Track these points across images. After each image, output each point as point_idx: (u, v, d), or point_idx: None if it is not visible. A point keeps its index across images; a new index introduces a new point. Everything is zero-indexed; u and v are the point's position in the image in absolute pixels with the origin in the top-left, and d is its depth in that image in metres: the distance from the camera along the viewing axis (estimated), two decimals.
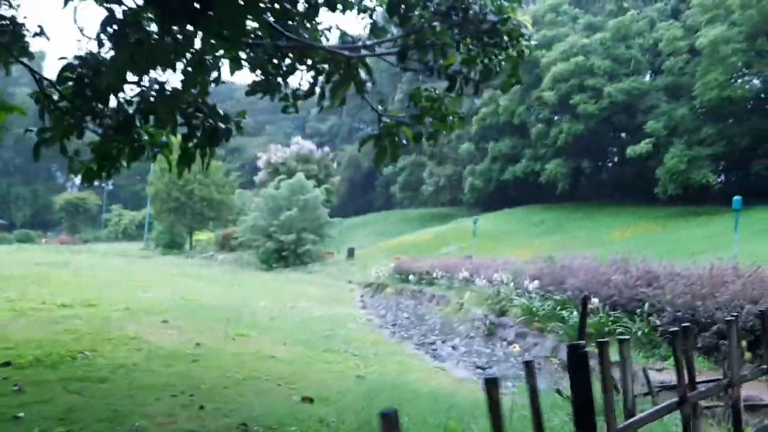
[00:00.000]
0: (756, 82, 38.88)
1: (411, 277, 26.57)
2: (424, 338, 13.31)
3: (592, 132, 42.73)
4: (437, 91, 5.09)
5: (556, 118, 43.30)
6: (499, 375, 10.08)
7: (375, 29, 5.01)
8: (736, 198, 16.26)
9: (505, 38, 4.60)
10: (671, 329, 3.53)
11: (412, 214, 62.36)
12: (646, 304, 10.20)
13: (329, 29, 5.15)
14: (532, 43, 5.05)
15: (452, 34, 4.52)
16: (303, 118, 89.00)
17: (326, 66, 4.85)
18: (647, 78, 44.66)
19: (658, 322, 9.84)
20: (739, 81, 37.11)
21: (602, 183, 48.00)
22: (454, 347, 12.31)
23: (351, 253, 40.99)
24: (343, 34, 5.20)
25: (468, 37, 4.63)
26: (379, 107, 4.86)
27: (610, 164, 49.26)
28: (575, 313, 11.41)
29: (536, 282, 13.83)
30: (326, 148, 50.37)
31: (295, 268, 32.72)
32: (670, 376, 8.82)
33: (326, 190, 40.89)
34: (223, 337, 7.98)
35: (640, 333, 9.90)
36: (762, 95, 40.55)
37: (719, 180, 40.77)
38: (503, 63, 4.82)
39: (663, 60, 40.53)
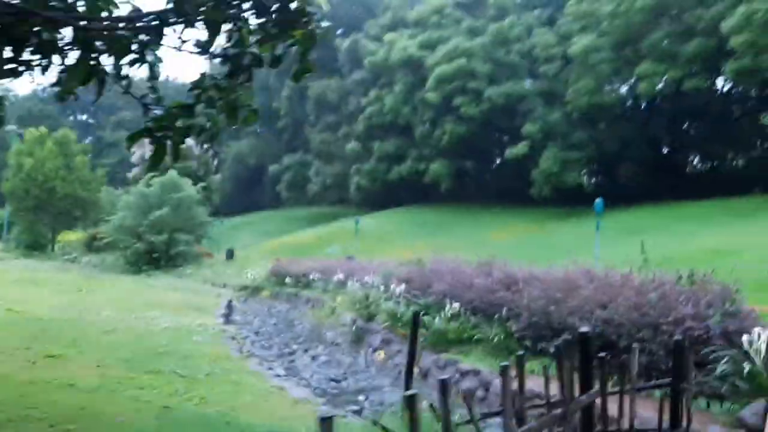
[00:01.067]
0: (624, 89, 41.11)
1: (288, 279, 25.70)
2: (285, 348, 12.53)
3: (475, 134, 43.59)
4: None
5: (440, 119, 43.73)
6: (353, 387, 9.53)
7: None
8: (598, 201, 16.69)
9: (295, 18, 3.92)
10: (556, 344, 3.00)
11: (298, 213, 61.28)
12: (504, 309, 9.98)
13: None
14: (324, 24, 4.39)
15: (224, 10, 3.78)
16: None
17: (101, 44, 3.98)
18: (526, 82, 46.17)
19: (514, 328, 9.64)
20: (608, 88, 39.05)
21: (485, 184, 49.15)
22: (314, 357, 11.62)
23: (230, 254, 39.43)
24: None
25: (258, 15, 3.91)
26: (151, 96, 4.02)
27: (492, 166, 50.52)
28: (438, 319, 11.06)
29: (403, 286, 13.41)
30: (205, 145, 48.17)
31: (167, 271, 30.87)
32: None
33: (204, 188, 39.00)
34: (23, 360, 6.85)
35: (496, 339, 9.64)
36: (629, 102, 42.99)
37: (591, 182, 42.88)
38: (293, 47, 4.14)
39: (539, 65, 41.98)
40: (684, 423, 3.72)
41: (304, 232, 46.72)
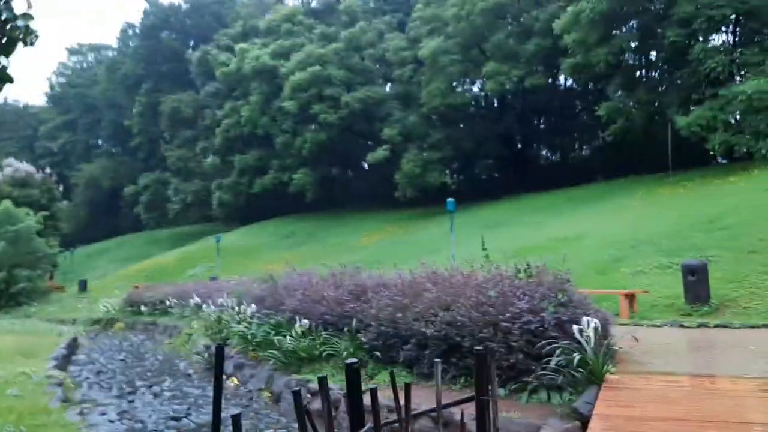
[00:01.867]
0: (474, 89, 42.69)
1: (144, 308, 24.12)
2: (127, 387, 11.44)
3: (336, 140, 43.46)
4: None
5: (299, 127, 43.16)
6: (195, 424, 8.78)
7: None
8: (449, 201, 16.88)
9: None
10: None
11: (160, 235, 58.35)
12: (354, 321, 9.65)
13: None
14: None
15: None
16: (30, 137, 78.82)
17: None
18: (385, 87, 46.75)
19: (364, 339, 9.33)
20: (460, 89, 40.36)
21: (351, 190, 49.17)
22: (157, 394, 10.67)
23: (83, 285, 36.62)
24: None
25: None
26: None
27: (357, 171, 50.68)
28: (289, 337, 10.54)
29: (253, 306, 12.76)
30: (48, 170, 44.54)
31: (8, 311, 27.98)
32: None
33: (45, 217, 35.85)
34: None
35: (346, 353, 9.28)
36: (481, 102, 44.74)
37: (454, 181, 44.10)
38: None
39: (393, 69, 42.61)
40: None
41: (166, 255, 44.43)
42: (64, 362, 14.08)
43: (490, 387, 3.47)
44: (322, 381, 3.93)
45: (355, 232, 36.53)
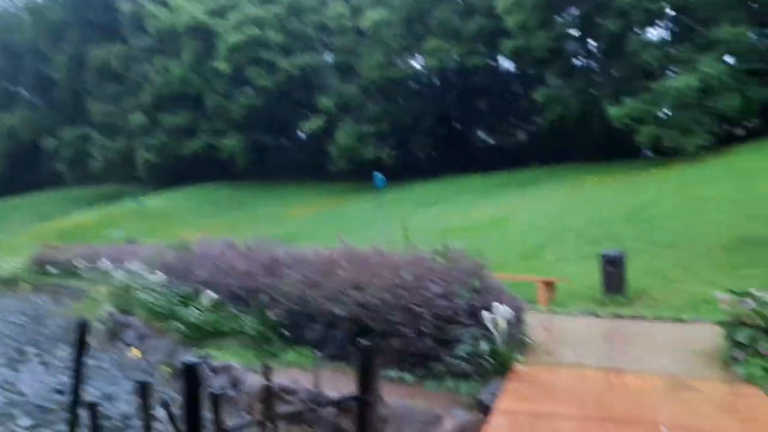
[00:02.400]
0: (415, 64, 42.20)
1: (52, 269, 22.81)
2: (16, 354, 10.61)
3: (271, 107, 42.25)
4: None
5: (233, 90, 41.66)
6: (83, 398, 8.14)
7: None
8: (377, 175, 16.44)
9: None
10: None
11: (81, 192, 55.63)
12: (264, 296, 9.15)
13: None
14: None
15: None
16: None
17: None
18: (324, 55, 45.63)
19: (273, 316, 8.86)
20: (399, 63, 39.81)
21: (285, 159, 48.09)
22: (46, 363, 9.91)
23: None
24: None
25: None
26: None
27: (291, 141, 49.54)
28: (195, 310, 9.94)
29: (160, 274, 12.06)
30: None
31: None
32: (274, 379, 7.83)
33: None
34: None
35: (252, 330, 8.79)
36: (422, 78, 44.32)
37: (390, 156, 43.66)
38: None
39: (333, 38, 41.63)
40: None
41: (85, 214, 42.35)
42: None
43: (371, 385, 3.08)
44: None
45: (285, 203, 35.78)
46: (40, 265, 23.81)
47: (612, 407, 5.29)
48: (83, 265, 20.42)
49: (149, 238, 27.97)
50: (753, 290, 7.77)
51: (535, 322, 9.51)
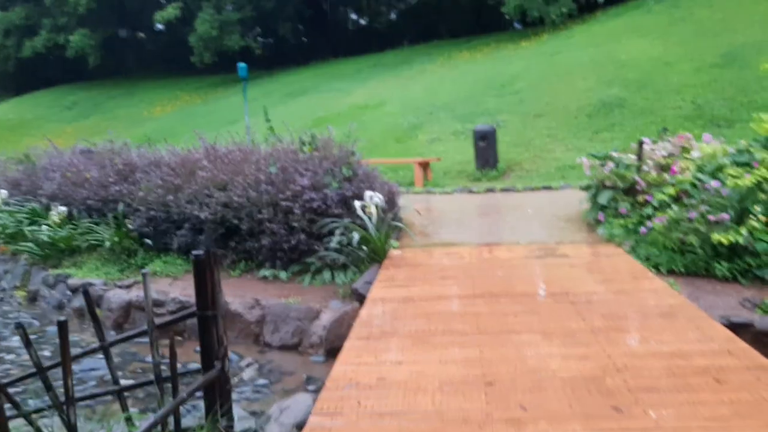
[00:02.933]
0: None
1: None
2: None
3: None
4: None
5: None
6: None
7: None
8: (241, 65, 15.37)
9: None
10: None
11: None
12: (120, 205, 8.40)
13: None
14: None
15: None
16: None
17: None
18: None
19: (132, 226, 8.19)
20: None
21: (143, 55, 44.33)
22: None
23: None
24: None
25: None
26: None
27: (147, 33, 45.51)
28: (45, 227, 9.02)
29: (4, 191, 10.82)
30: None
31: None
32: (138, 292, 7.35)
33: None
34: None
35: (110, 242, 8.10)
36: None
37: (258, 45, 41.27)
38: None
39: None
40: (219, 360, 2.73)
41: None
42: None
43: (209, 298, 2.70)
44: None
45: (147, 101, 33.32)
46: None
47: (480, 284, 5.29)
48: None
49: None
50: (612, 153, 8.00)
51: (412, 205, 9.48)
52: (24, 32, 39.10)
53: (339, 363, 3.66)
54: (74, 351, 3.46)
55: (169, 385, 2.70)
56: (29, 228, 9.40)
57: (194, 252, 2.79)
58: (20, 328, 2.54)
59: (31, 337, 7.01)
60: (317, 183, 6.99)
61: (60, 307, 7.98)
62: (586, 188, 7.83)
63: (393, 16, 46.77)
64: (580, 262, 5.94)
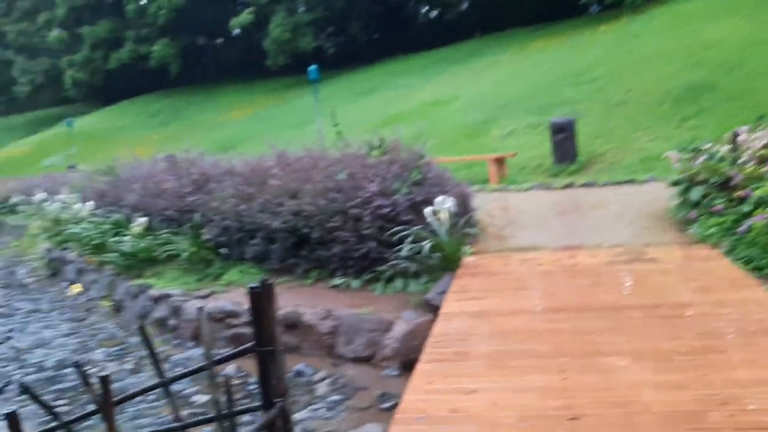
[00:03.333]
0: None
1: None
2: None
3: (197, 5, 39.39)
4: None
5: None
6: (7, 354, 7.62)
7: None
8: (311, 68, 15.39)
9: None
10: None
11: (13, 121, 52.59)
12: (196, 215, 8.51)
13: None
14: None
15: None
16: None
17: None
18: None
19: (208, 236, 8.27)
20: None
21: (220, 60, 45.64)
22: None
23: None
24: None
25: None
26: None
27: (224, 40, 46.80)
28: (127, 237, 9.28)
29: (91, 203, 11.26)
30: None
31: None
32: (215, 303, 7.38)
33: None
34: None
35: (187, 253, 8.22)
36: None
37: (330, 44, 41.59)
38: None
39: None
40: (280, 398, 2.58)
41: (20, 144, 40.20)
42: None
43: (266, 332, 2.56)
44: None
45: (224, 106, 34.23)
46: None
47: (565, 294, 4.95)
48: (19, 198, 19.30)
49: (87, 161, 26.65)
50: (703, 145, 7.43)
51: (486, 205, 9.15)
52: (110, 45, 41.04)
53: (409, 391, 3.46)
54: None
55: (228, 422, 2.58)
56: (113, 239, 9.70)
57: (250, 285, 2.66)
58: (78, 367, 2.48)
59: (114, 349, 7.22)
60: (386, 189, 6.81)
61: (142, 317, 8.17)
62: (675, 183, 7.28)
63: (464, 5, 46.02)
64: (672, 267, 5.48)
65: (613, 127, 13.01)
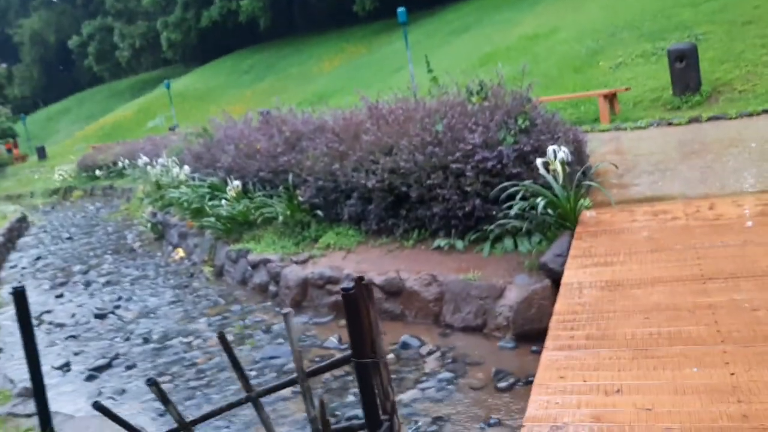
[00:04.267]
0: None
1: (99, 171, 22.63)
2: (61, 276, 10.31)
3: None
4: None
5: None
6: (121, 321, 7.69)
7: None
8: (400, 9, 14.56)
9: None
10: None
11: (119, 86, 54.97)
12: (290, 176, 8.20)
13: None
14: None
15: None
16: None
17: None
18: None
19: (302, 198, 7.95)
20: None
21: (307, 11, 45.11)
22: (88, 282, 9.54)
23: (42, 153, 34.71)
24: None
25: None
26: None
27: None
28: (224, 201, 9.15)
29: (187, 167, 11.26)
30: None
31: None
32: (313, 268, 7.05)
33: None
34: None
35: (283, 216, 7.95)
36: None
37: None
38: None
39: None
40: (387, 416, 2.12)
41: (125, 108, 41.90)
42: (2, 251, 12.95)
43: (365, 340, 2.09)
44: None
45: (315, 57, 33.88)
46: (87, 169, 23.68)
47: (711, 256, 4.19)
48: (125, 162, 20.00)
49: (188, 122, 27.29)
50: None
51: (600, 148, 8.28)
52: (200, 3, 41.48)
53: (537, 389, 2.91)
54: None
55: None
56: (210, 203, 9.64)
57: (342, 287, 2.19)
58: (153, 385, 2.12)
59: (215, 318, 7.11)
60: (490, 140, 6.15)
61: (243, 282, 8.05)
62: None
63: None
64: None
65: (742, 50, 11.47)
